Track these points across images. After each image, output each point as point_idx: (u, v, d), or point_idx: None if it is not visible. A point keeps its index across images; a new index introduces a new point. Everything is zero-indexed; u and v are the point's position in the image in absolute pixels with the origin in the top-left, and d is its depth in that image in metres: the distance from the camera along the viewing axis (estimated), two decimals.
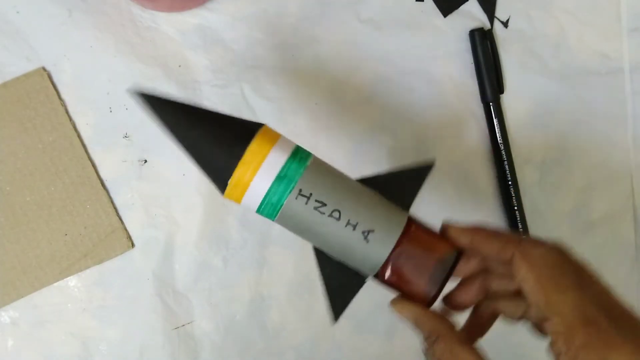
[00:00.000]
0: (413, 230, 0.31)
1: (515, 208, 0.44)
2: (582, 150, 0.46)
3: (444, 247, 0.31)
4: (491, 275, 0.31)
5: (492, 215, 0.45)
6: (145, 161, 0.42)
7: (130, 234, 0.42)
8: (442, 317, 0.30)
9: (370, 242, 0.30)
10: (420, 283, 0.30)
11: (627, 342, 0.24)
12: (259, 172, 0.30)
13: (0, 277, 0.41)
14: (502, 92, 0.44)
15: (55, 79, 0.42)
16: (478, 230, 0.30)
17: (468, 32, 0.44)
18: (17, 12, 0.41)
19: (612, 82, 0.46)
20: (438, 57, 0.44)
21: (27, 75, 0.41)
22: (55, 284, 0.42)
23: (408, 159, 0.44)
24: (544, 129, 0.45)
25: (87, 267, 0.42)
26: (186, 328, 0.43)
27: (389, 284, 0.31)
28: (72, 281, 0.42)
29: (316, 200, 0.30)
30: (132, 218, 0.42)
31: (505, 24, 0.45)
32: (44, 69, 0.41)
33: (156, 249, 0.42)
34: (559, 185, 0.46)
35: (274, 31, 0.43)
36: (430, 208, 0.44)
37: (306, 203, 0.30)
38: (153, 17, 0.42)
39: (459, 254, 0.31)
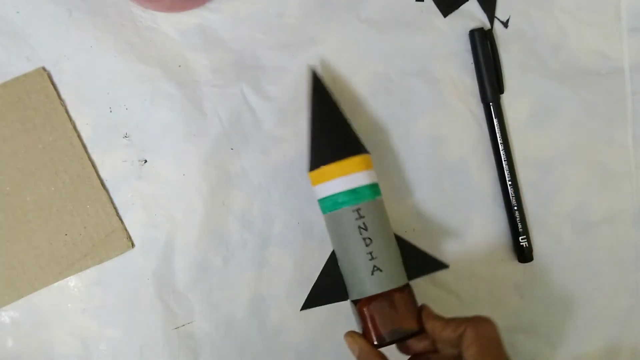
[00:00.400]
0: (405, 292, 0.38)
1: (515, 208, 0.44)
2: (582, 150, 0.46)
3: (413, 319, 0.38)
4: (437, 355, 0.38)
5: (491, 216, 0.45)
6: (145, 161, 0.42)
7: (130, 234, 0.42)
8: (384, 356, 0.36)
9: (373, 276, 0.37)
10: (380, 330, 0.37)
11: None
12: (345, 177, 0.37)
13: (0, 277, 0.41)
14: (502, 92, 0.44)
15: (55, 79, 0.42)
16: (439, 319, 0.37)
17: (468, 32, 0.44)
18: (17, 12, 0.41)
19: (612, 82, 0.46)
20: (438, 57, 0.44)
21: (27, 76, 0.41)
22: (56, 284, 0.42)
23: (409, 159, 0.44)
24: (543, 129, 0.45)
25: (87, 267, 0.42)
26: (186, 328, 0.43)
27: (360, 313, 0.38)
28: (72, 281, 0.42)
29: (363, 223, 0.37)
30: (132, 218, 0.42)
31: (505, 24, 0.45)
32: (44, 69, 0.41)
33: (156, 249, 0.42)
34: (559, 185, 0.45)
35: (274, 31, 0.43)
36: (431, 207, 0.44)
37: (356, 219, 0.37)
38: (153, 17, 0.42)
39: (420, 330, 0.38)
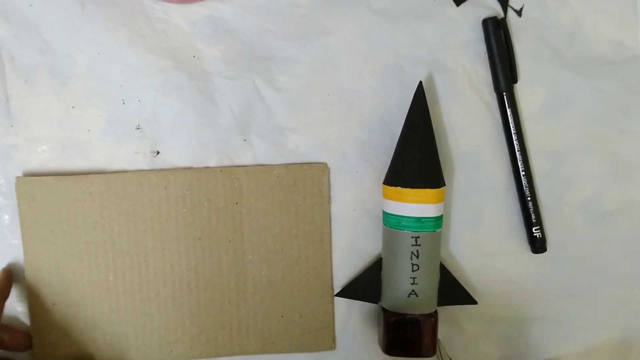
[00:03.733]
0: (430, 318, 0.41)
1: (529, 199, 0.44)
2: (595, 140, 0.45)
3: (429, 343, 0.41)
4: None
5: (504, 207, 0.45)
6: (158, 152, 0.43)
7: None
8: None
9: (408, 298, 0.40)
10: (394, 342, 0.41)
11: None
12: (417, 204, 0.39)
13: (208, 332, 0.43)
14: (515, 81, 0.44)
15: (68, 72, 0.42)
16: None
17: (481, 21, 0.44)
18: (30, 5, 0.41)
19: (627, 70, 0.45)
20: (451, 46, 0.44)
21: (310, 166, 0.43)
22: (251, 357, 0.43)
23: None
24: (557, 118, 0.45)
25: (288, 351, 0.43)
26: None
27: (384, 322, 0.41)
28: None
29: (417, 250, 0.40)
30: None
31: (519, 13, 0.44)
32: (326, 165, 0.43)
33: None
34: (573, 175, 0.45)
35: (284, 22, 0.43)
36: (444, 197, 0.44)
37: (412, 245, 0.40)
38: (164, 9, 0.42)
39: (429, 355, 0.41)
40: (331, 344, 0.44)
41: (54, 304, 0.42)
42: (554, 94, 0.45)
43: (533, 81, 0.44)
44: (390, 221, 0.41)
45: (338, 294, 0.43)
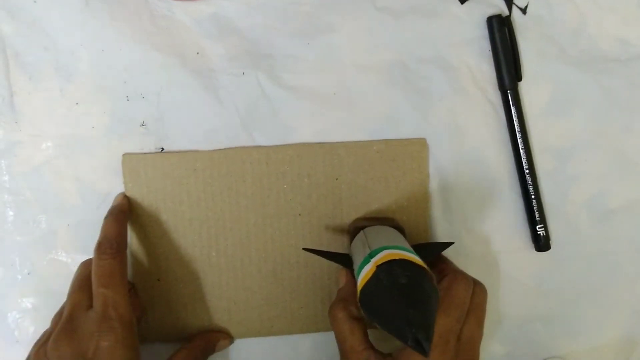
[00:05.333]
0: None
1: (533, 197, 0.44)
2: (600, 138, 0.45)
3: None
4: None
5: (508, 204, 0.45)
6: (162, 149, 0.43)
7: None
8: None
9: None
10: None
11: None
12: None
13: (308, 307, 0.43)
14: (519, 79, 0.44)
15: (72, 68, 0.42)
16: None
17: (486, 19, 0.43)
18: (35, 2, 0.41)
19: (632, 68, 0.45)
20: (455, 44, 0.44)
21: (410, 141, 0.43)
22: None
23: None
24: (562, 116, 0.45)
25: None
26: None
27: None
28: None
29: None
30: None
31: (524, 11, 0.44)
32: (425, 141, 0.43)
33: None
34: (577, 173, 0.45)
35: (289, 19, 0.43)
36: (448, 195, 0.44)
37: None
38: (168, 6, 0.42)
39: None
40: None
41: (159, 279, 0.42)
42: (559, 91, 0.45)
43: (538, 79, 0.44)
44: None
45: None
